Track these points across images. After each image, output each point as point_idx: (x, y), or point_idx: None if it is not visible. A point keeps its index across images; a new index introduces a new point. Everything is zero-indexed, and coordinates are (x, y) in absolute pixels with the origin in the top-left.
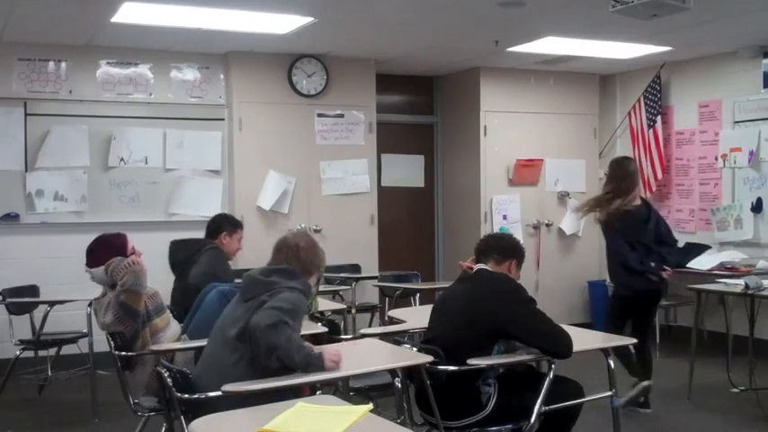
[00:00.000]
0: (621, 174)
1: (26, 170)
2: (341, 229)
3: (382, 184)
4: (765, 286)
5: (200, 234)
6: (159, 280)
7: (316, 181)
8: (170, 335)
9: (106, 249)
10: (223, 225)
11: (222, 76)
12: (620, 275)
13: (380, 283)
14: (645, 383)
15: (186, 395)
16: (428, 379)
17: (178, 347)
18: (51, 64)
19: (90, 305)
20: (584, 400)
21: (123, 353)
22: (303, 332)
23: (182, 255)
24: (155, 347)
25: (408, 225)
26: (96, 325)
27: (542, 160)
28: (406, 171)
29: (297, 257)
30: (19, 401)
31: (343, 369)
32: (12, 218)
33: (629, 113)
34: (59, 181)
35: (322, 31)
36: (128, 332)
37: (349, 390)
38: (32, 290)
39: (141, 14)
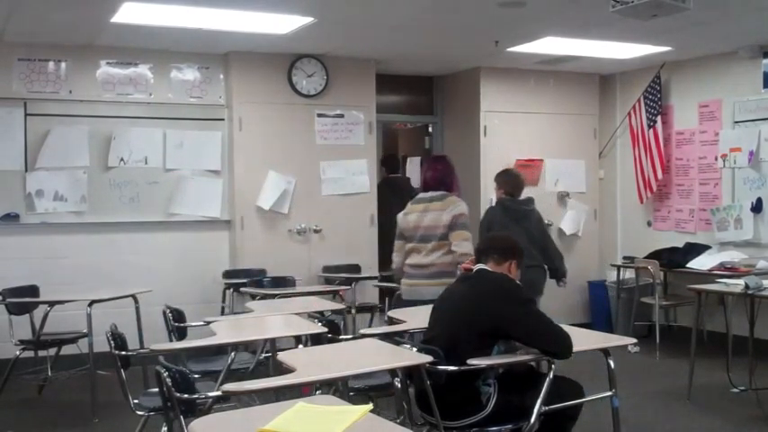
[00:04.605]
0: None
1: (26, 170)
2: (341, 229)
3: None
4: (765, 286)
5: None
6: (163, 275)
7: (316, 181)
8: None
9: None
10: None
11: (222, 76)
12: None
13: (380, 284)
14: None
15: (186, 395)
16: (428, 379)
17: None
18: (51, 64)
19: (90, 305)
20: (584, 400)
21: (123, 353)
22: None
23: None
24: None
25: None
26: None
27: (542, 160)
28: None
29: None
30: (19, 401)
31: (343, 369)
32: (12, 218)
33: (629, 113)
34: (59, 181)
35: (322, 31)
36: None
37: (349, 390)
38: (32, 290)
39: (141, 14)
